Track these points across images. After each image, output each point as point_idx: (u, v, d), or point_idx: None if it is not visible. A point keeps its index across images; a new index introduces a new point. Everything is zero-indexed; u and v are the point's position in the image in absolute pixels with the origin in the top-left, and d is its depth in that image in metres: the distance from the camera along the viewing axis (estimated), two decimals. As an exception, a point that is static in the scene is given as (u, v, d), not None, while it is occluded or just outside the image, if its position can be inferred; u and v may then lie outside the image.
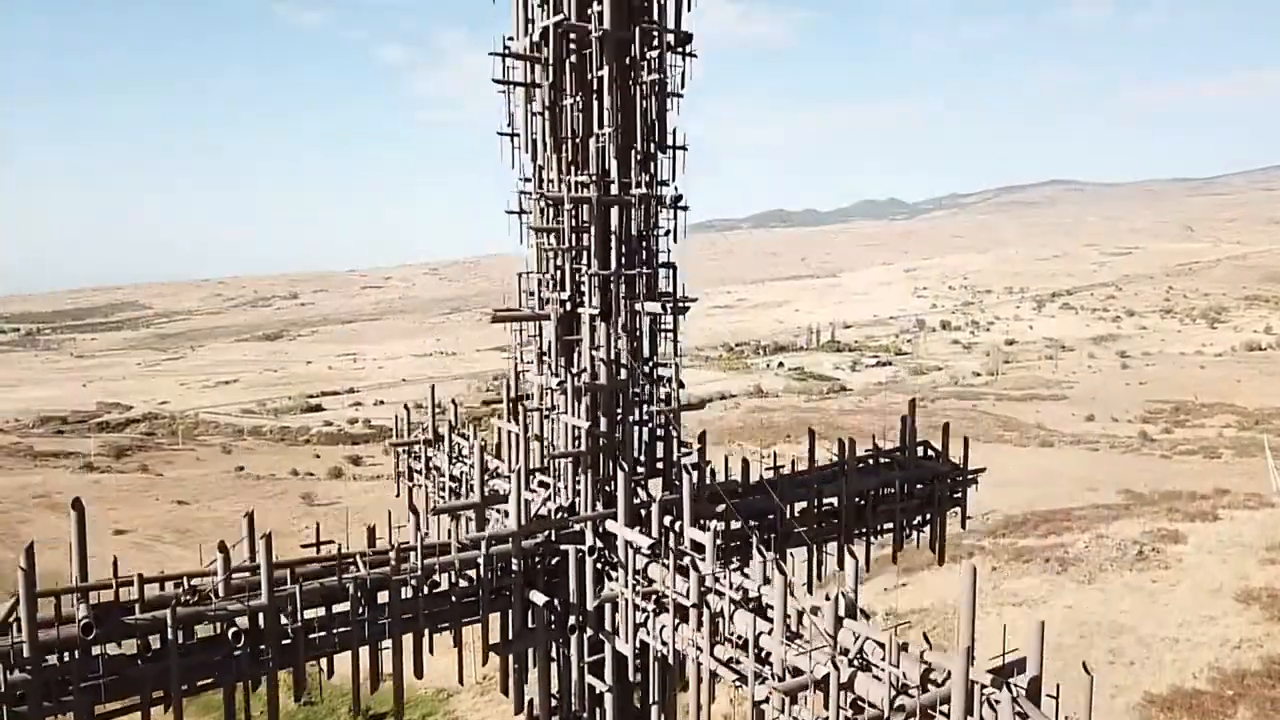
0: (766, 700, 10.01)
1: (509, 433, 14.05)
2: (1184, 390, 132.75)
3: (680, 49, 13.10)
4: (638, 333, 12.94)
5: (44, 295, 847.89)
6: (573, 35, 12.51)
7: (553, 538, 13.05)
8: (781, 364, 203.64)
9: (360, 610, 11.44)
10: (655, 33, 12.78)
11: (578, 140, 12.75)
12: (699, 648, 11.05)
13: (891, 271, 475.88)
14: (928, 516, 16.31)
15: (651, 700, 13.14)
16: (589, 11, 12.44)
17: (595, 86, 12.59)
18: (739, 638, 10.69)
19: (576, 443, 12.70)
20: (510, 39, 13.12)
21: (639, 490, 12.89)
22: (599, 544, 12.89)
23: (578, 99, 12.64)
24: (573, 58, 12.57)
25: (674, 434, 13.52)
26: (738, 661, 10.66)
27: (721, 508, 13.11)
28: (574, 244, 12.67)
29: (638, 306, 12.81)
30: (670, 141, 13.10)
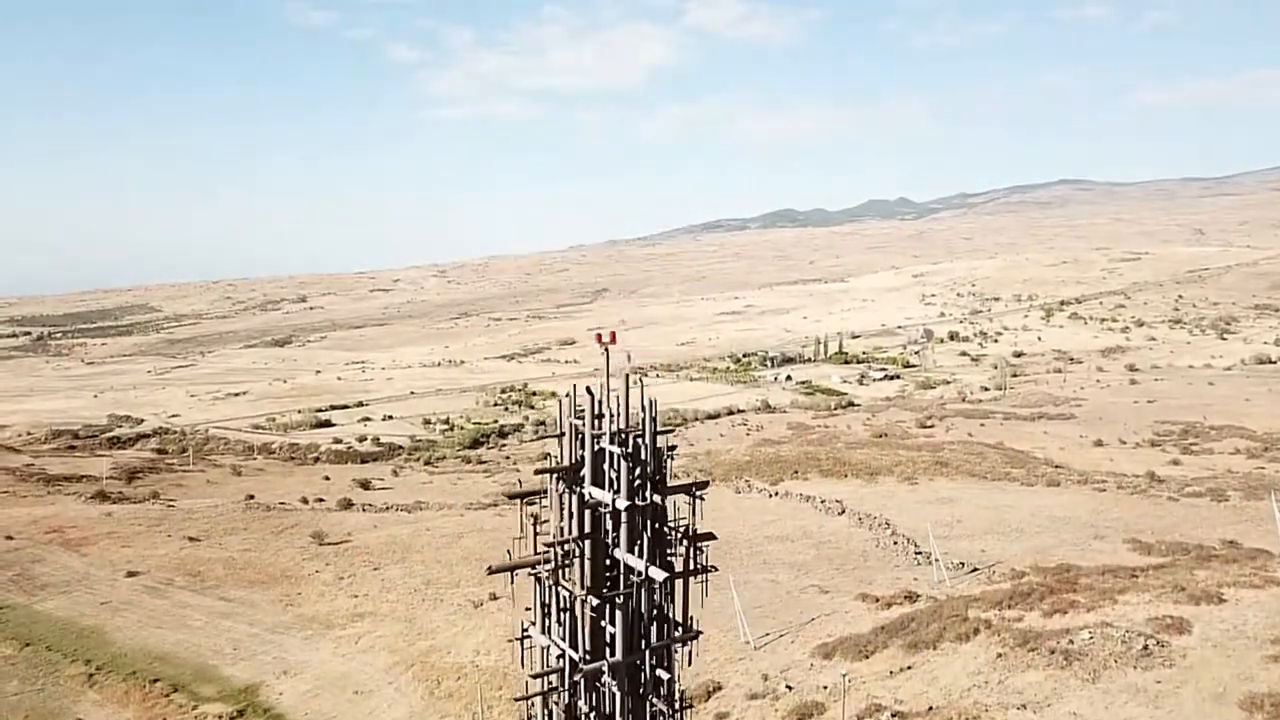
0: None
1: None
2: (1193, 410, 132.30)
3: (692, 636, 13.94)
4: None
5: (55, 297, 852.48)
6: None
7: None
8: (789, 377, 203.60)
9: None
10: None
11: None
12: None
13: (900, 276, 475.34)
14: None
15: None
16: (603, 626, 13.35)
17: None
18: None
19: None
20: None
21: None
22: None
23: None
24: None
25: None
26: None
27: None
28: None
29: None
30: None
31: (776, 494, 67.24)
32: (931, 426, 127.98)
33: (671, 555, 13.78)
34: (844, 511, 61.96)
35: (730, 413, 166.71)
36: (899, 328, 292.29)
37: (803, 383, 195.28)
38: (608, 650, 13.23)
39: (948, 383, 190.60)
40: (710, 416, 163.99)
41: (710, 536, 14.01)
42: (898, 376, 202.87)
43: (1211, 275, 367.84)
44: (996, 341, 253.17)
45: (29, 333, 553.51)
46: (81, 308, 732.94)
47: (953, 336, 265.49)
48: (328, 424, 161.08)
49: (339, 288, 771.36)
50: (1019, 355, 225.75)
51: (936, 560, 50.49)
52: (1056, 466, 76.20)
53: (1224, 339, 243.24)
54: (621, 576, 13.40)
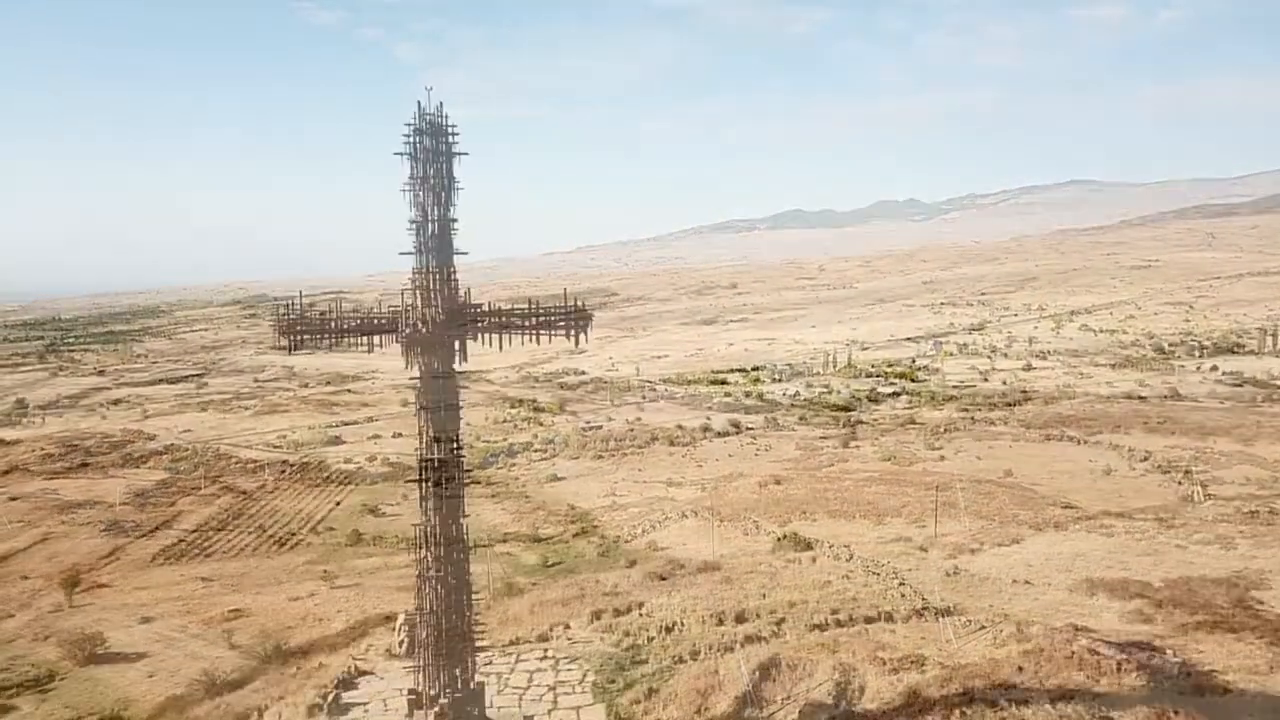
0: None
1: None
2: (1203, 432, 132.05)
3: None
4: None
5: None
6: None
7: None
8: (798, 392, 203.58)
9: None
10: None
11: None
12: None
13: (909, 283, 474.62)
14: None
15: None
16: None
17: None
18: None
19: None
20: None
21: None
22: None
23: None
24: None
25: None
26: None
27: None
28: None
29: None
30: None
31: (784, 537, 67.49)
32: (940, 449, 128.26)
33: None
34: (852, 558, 62.21)
35: (738, 430, 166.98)
36: (908, 339, 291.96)
37: (1231, 373, 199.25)
38: None
39: (955, 398, 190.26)
40: (720, 434, 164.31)
41: None
42: (906, 392, 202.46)
43: (1222, 284, 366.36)
44: (1006, 355, 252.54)
45: (42, 338, 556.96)
46: (95, 310, 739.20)
47: (962, 349, 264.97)
48: (724, 382, 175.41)
49: (768, 276, 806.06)
50: (1028, 369, 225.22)
51: (942, 619, 50.71)
52: (1065, 506, 76.25)
53: (1234, 353, 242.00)
54: None
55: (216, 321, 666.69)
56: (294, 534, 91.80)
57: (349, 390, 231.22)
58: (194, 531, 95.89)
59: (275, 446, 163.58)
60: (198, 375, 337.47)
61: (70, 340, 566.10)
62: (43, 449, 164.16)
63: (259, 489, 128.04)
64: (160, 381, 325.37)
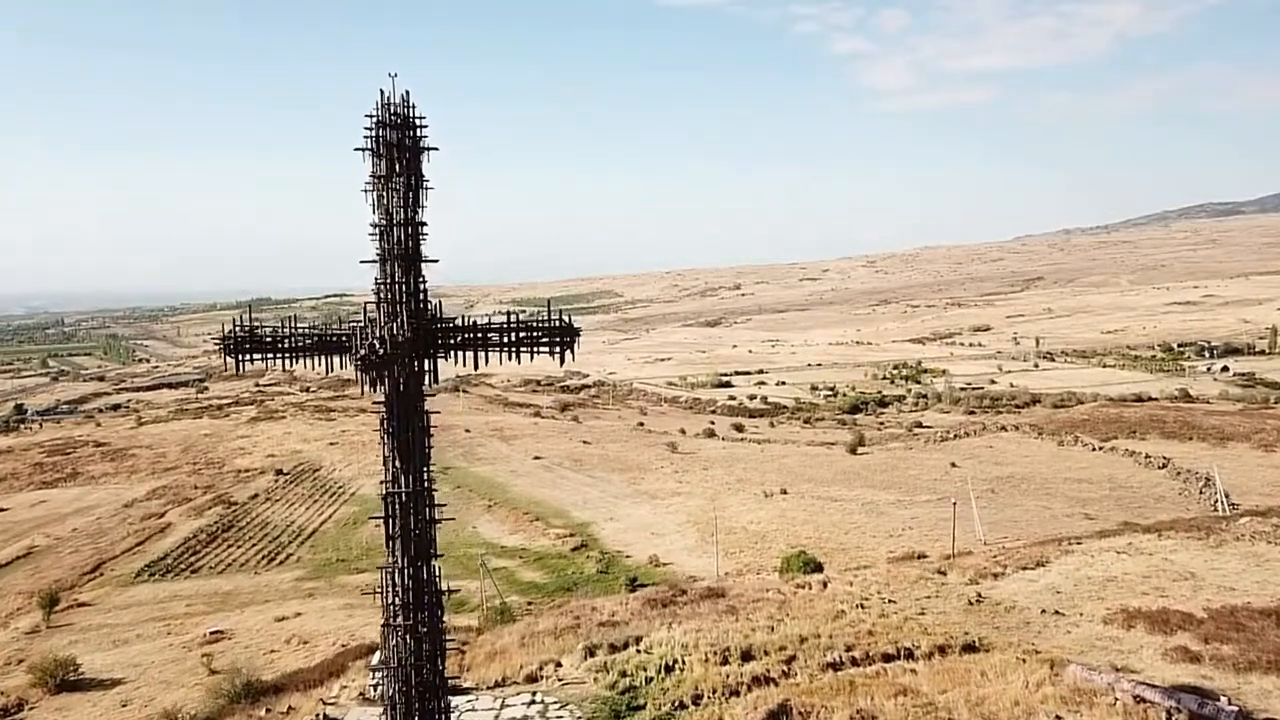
0: None
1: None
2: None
3: None
4: None
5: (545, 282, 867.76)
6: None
7: None
8: (1225, 368, 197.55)
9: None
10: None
11: None
12: None
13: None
14: None
15: None
16: None
17: None
18: None
19: None
20: None
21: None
22: None
23: None
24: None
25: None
26: None
27: None
28: None
29: None
30: None
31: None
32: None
33: None
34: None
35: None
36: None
37: (1242, 374, 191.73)
38: None
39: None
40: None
41: None
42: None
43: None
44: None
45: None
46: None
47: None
48: (728, 385, 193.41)
49: (771, 276, 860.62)
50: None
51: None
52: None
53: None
54: None
55: (219, 324, 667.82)
56: (284, 548, 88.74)
57: (347, 395, 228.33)
58: (182, 545, 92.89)
59: (675, 385, 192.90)
60: (199, 379, 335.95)
61: (72, 344, 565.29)
62: (34, 458, 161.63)
63: (251, 499, 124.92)
64: (161, 386, 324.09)
